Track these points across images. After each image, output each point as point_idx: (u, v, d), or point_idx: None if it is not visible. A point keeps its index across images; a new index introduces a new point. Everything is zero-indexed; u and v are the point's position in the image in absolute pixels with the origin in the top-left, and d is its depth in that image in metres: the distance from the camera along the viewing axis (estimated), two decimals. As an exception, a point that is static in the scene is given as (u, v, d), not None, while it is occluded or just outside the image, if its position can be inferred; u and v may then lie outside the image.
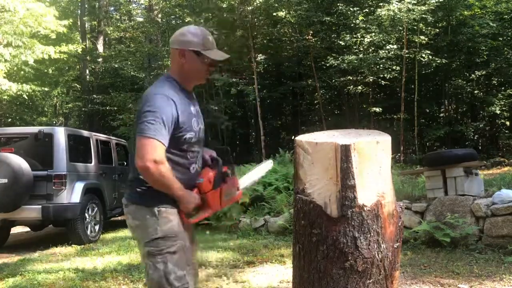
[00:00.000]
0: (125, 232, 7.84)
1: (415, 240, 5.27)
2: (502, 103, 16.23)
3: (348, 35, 14.22)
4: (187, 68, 2.09)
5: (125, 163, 8.86)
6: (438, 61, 13.80)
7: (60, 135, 6.59)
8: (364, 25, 14.01)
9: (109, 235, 7.54)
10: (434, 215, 5.31)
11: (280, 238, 6.20)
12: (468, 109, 18.66)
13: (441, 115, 18.12)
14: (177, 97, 2.03)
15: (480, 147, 17.18)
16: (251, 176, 2.33)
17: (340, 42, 14.37)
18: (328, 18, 14.85)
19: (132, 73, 19.97)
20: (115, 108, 19.36)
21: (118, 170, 8.22)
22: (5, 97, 13.99)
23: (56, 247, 6.44)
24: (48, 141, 6.54)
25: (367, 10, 14.51)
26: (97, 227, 7.10)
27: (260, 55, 17.36)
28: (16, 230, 8.00)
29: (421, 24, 13.52)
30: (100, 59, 21.91)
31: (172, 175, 1.98)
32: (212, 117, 15.21)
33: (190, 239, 2.19)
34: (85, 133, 7.76)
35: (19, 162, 6.13)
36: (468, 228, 4.95)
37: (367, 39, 13.64)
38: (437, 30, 14.62)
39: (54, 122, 23.70)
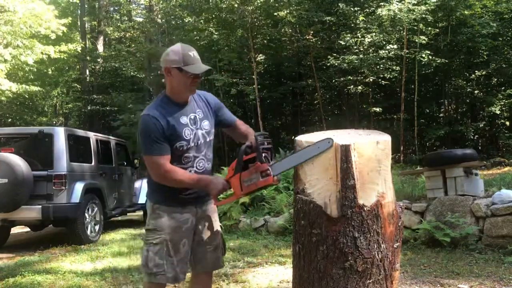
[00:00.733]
0: (125, 232, 7.84)
1: (415, 240, 5.27)
2: (502, 103, 16.20)
3: (348, 35, 14.20)
4: (175, 84, 2.32)
5: (125, 163, 8.86)
6: (438, 61, 13.78)
7: (60, 135, 6.57)
8: (365, 25, 14.01)
9: (109, 235, 7.53)
10: (434, 215, 5.31)
11: (280, 238, 6.20)
12: (468, 109, 18.63)
13: (441, 115, 18.10)
14: (163, 113, 2.28)
15: (480, 147, 17.15)
16: (292, 161, 2.13)
17: (341, 42, 14.36)
18: (329, 18, 14.82)
19: (132, 73, 20.00)
20: (115, 108, 19.38)
21: (118, 170, 8.22)
22: (3, 98, 13.97)
23: (56, 247, 6.42)
24: (48, 141, 6.52)
25: (367, 10, 14.50)
26: (97, 227, 7.08)
27: (260, 55, 17.34)
28: (16, 230, 7.99)
29: (421, 24, 13.52)
30: (100, 59, 21.91)
31: (185, 173, 2.29)
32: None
33: (211, 222, 2.46)
34: (85, 133, 7.75)
35: (19, 162, 6.11)
36: (468, 228, 4.95)
37: (368, 39, 13.64)
38: (437, 30, 14.61)
39: (54, 122, 23.68)
